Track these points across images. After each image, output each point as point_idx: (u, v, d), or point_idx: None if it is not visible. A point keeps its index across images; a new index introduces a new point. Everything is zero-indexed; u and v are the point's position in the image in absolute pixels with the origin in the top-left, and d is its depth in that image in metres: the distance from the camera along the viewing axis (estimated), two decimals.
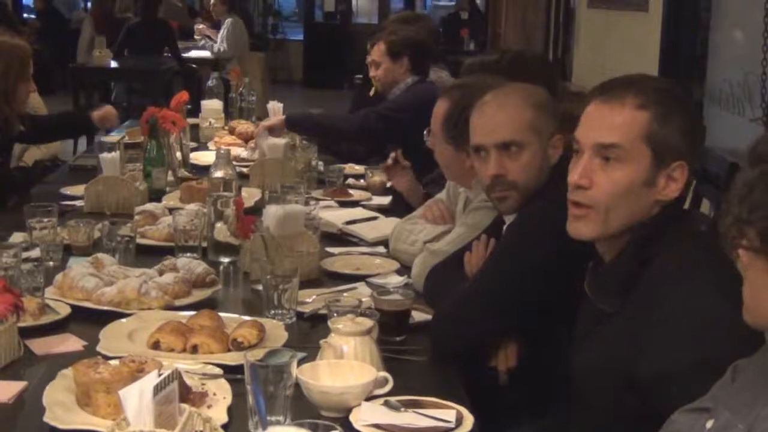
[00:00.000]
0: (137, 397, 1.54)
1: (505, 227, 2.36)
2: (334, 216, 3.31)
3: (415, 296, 2.39)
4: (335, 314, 2.08)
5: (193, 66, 9.90)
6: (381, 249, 3.04)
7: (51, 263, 2.67)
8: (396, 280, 2.67)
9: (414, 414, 1.81)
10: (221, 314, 2.26)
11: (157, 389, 1.54)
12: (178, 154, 3.96)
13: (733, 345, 1.53)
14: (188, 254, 2.76)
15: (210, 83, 5.54)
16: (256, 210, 3.08)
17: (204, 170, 3.75)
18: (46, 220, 2.82)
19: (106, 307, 2.34)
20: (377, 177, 3.85)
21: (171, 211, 3.13)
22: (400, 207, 3.52)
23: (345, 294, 2.49)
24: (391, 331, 2.20)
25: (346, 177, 4.01)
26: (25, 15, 14.05)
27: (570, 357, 1.94)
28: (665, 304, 1.70)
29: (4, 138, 3.89)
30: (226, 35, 9.93)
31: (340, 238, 3.17)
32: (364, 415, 1.80)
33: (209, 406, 1.80)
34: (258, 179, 3.80)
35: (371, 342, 1.98)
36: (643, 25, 5.32)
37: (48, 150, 5.13)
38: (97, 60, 8.79)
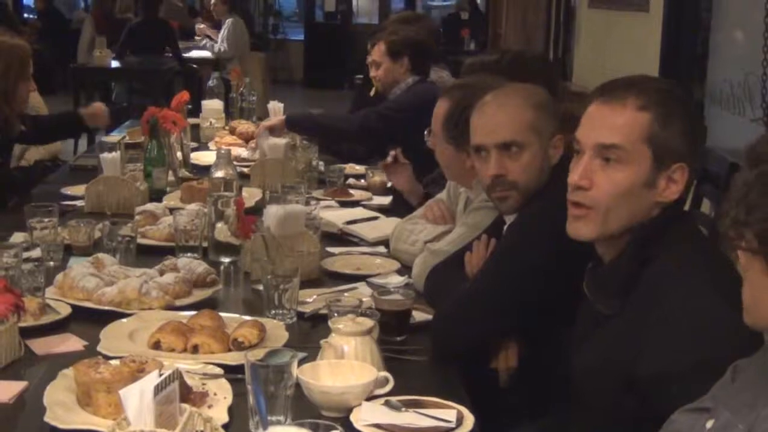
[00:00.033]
0: (138, 397, 1.54)
1: (505, 227, 2.36)
2: (335, 216, 3.31)
3: (416, 296, 2.39)
4: (336, 314, 2.08)
5: (194, 66, 9.90)
6: (381, 249, 3.04)
7: (51, 263, 2.67)
8: (396, 280, 2.67)
9: (415, 414, 1.81)
10: (222, 314, 2.26)
11: (158, 389, 1.54)
12: (179, 154, 3.96)
13: (733, 345, 1.53)
14: (189, 254, 2.76)
15: (211, 83, 5.54)
16: (257, 210, 3.09)
17: (205, 170, 3.76)
18: (46, 220, 2.82)
19: (106, 307, 2.34)
20: (378, 177, 3.85)
21: (172, 211, 3.13)
22: (400, 207, 3.52)
23: (346, 294, 2.49)
24: (391, 331, 2.21)
25: (347, 177, 4.01)
26: (25, 15, 14.05)
27: (570, 358, 1.94)
28: (665, 305, 1.70)
29: (5, 138, 3.89)
30: (226, 35, 9.93)
31: (341, 238, 3.17)
32: (365, 415, 1.80)
33: (210, 406, 1.80)
34: (259, 179, 3.80)
35: (372, 342, 1.98)
36: (643, 25, 5.32)
37: (48, 150, 5.13)
38: (98, 60, 8.80)
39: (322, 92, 13.54)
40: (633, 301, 1.76)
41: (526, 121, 2.27)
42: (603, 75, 5.91)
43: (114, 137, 4.55)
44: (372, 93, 4.74)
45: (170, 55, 9.71)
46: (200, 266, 2.58)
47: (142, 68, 9.33)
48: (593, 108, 1.85)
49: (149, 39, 9.53)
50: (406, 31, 4.47)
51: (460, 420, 1.80)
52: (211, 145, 4.67)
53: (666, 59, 4.79)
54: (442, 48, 6.05)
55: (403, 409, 1.82)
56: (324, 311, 2.24)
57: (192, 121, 4.64)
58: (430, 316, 2.32)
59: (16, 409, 1.87)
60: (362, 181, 4.02)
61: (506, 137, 2.26)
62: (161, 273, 2.52)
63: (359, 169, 4.22)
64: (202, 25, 10.91)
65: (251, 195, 3.49)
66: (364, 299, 2.28)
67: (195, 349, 2.07)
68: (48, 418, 1.73)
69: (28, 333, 2.17)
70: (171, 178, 3.72)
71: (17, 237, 2.83)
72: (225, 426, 1.73)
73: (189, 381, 1.84)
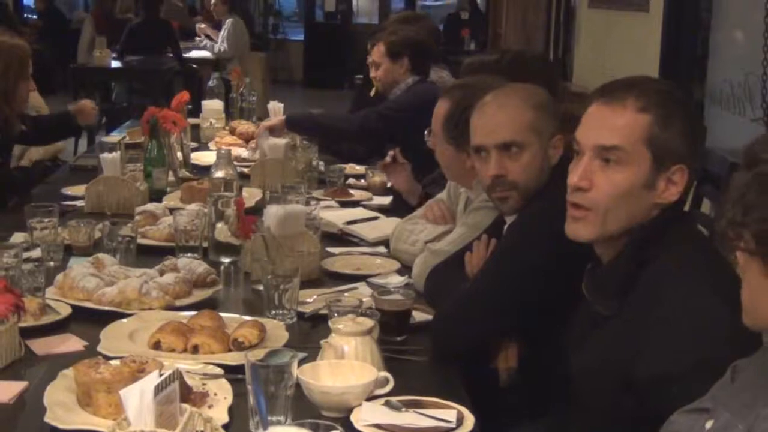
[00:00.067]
0: (138, 397, 1.54)
1: (505, 227, 2.36)
2: (335, 216, 3.31)
3: (416, 296, 2.39)
4: (336, 314, 2.08)
5: (194, 66, 9.90)
6: (382, 249, 3.04)
7: (52, 263, 2.67)
8: (397, 280, 2.67)
9: (415, 414, 1.81)
10: (222, 314, 2.26)
11: (158, 389, 1.54)
12: (179, 155, 3.96)
13: (733, 346, 1.53)
14: (189, 254, 2.76)
15: (211, 83, 5.54)
16: (257, 210, 3.09)
17: (205, 170, 3.76)
18: (46, 220, 2.82)
19: (106, 308, 2.34)
20: (378, 177, 3.85)
21: (172, 211, 3.13)
22: (400, 207, 3.52)
23: (346, 294, 2.49)
24: (391, 331, 2.21)
25: (347, 177, 4.01)
26: (26, 15, 14.05)
27: (568, 358, 1.94)
28: (664, 305, 1.70)
29: (5, 138, 3.89)
30: (226, 35, 9.93)
31: (341, 238, 3.17)
32: (365, 415, 1.80)
33: (210, 406, 1.80)
34: (259, 179, 3.80)
35: (372, 342, 1.98)
36: (643, 25, 5.32)
37: (48, 150, 5.13)
38: (98, 60, 8.80)
39: (322, 92, 13.54)
40: (631, 302, 1.76)
41: (526, 122, 2.27)
42: (603, 75, 5.91)
43: (114, 137, 4.55)
44: (372, 93, 4.74)
45: (171, 55, 9.71)
46: (200, 266, 2.58)
47: (142, 68, 9.33)
48: (593, 109, 1.85)
49: (150, 39, 9.53)
50: (405, 31, 4.46)
51: (460, 420, 1.80)
52: (212, 145, 4.67)
53: (666, 59, 4.79)
54: (442, 48, 6.05)
55: (404, 409, 1.82)
56: (324, 311, 2.24)
57: (192, 121, 4.64)
58: (430, 317, 2.32)
59: (16, 409, 1.87)
60: (362, 181, 4.02)
61: (506, 137, 2.26)
62: (161, 273, 2.52)
63: (359, 169, 4.22)
64: (202, 25, 10.90)
65: (251, 195, 3.49)
66: (364, 299, 2.28)
67: (195, 350, 2.07)
68: (48, 419, 1.73)
69: (28, 333, 2.17)
70: (171, 178, 3.73)
71: (17, 237, 2.84)
72: (225, 426, 1.73)
73: (189, 381, 1.84)
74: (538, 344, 2.19)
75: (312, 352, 2.01)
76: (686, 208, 2.05)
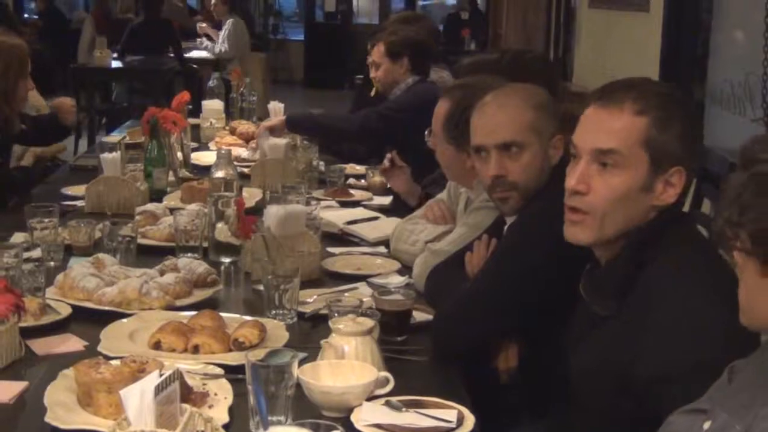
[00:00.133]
0: (138, 397, 1.54)
1: (506, 227, 2.36)
2: (335, 216, 3.31)
3: (416, 296, 2.39)
4: (336, 314, 2.08)
5: (194, 66, 9.90)
6: (382, 249, 3.04)
7: (52, 263, 2.67)
8: (397, 280, 2.67)
9: (415, 414, 1.81)
10: (222, 314, 2.26)
11: (159, 389, 1.54)
12: (179, 155, 3.96)
13: (731, 346, 1.53)
14: (189, 254, 2.76)
15: (211, 83, 5.54)
16: (257, 210, 3.09)
17: (205, 170, 3.76)
18: (47, 220, 2.82)
19: (107, 308, 2.34)
20: (378, 177, 3.85)
21: (172, 211, 3.13)
22: (401, 207, 3.52)
23: (346, 294, 2.49)
24: (392, 331, 2.21)
25: (347, 177, 4.01)
26: (26, 15, 14.05)
27: (567, 358, 1.94)
28: (663, 306, 1.70)
29: (5, 138, 3.89)
30: (227, 36, 9.93)
31: (341, 238, 3.17)
32: (366, 415, 1.80)
33: (210, 406, 1.80)
34: (259, 179, 3.80)
35: (372, 342, 1.98)
36: (644, 25, 5.32)
37: (48, 148, 5.12)
38: (98, 60, 8.80)
39: (322, 92, 13.54)
40: (630, 303, 1.76)
41: (526, 122, 2.27)
42: (603, 75, 5.92)
43: (114, 137, 4.55)
44: (372, 93, 4.74)
45: (172, 55, 9.70)
46: (201, 266, 2.58)
47: (143, 68, 9.33)
48: (590, 111, 1.85)
49: (151, 39, 9.53)
50: (405, 32, 4.46)
51: (460, 420, 1.80)
52: (212, 145, 4.67)
53: (666, 59, 4.79)
54: (442, 48, 6.05)
55: (404, 409, 1.82)
56: (324, 311, 2.24)
57: (192, 121, 4.64)
58: (430, 317, 2.32)
59: (16, 409, 1.87)
60: (362, 181, 4.02)
61: (506, 138, 2.26)
62: (162, 273, 2.52)
63: (360, 169, 4.22)
64: (203, 24, 10.90)
65: (251, 195, 3.49)
66: (364, 299, 2.28)
67: (195, 350, 2.07)
68: (48, 419, 1.73)
69: (28, 333, 2.17)
70: (171, 178, 3.73)
71: (18, 237, 2.84)
72: (225, 426, 1.73)
73: (189, 381, 1.84)
74: (538, 344, 2.19)
75: (312, 352, 2.01)
76: (686, 208, 2.05)
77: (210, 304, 2.41)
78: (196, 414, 1.62)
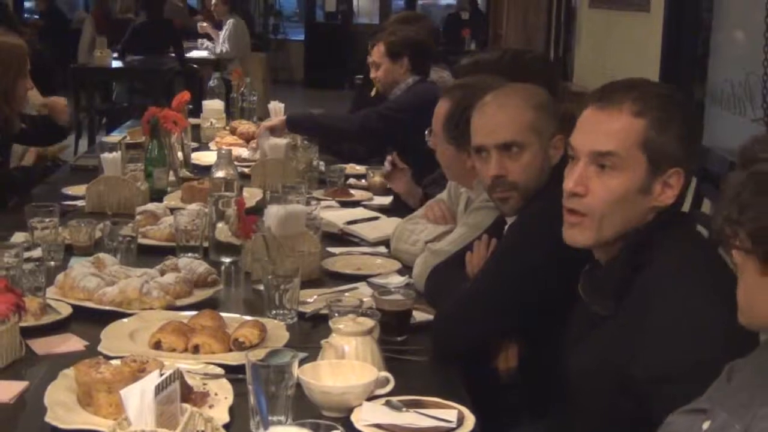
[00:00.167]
0: (139, 397, 1.54)
1: (506, 227, 2.36)
2: (336, 216, 3.31)
3: (417, 296, 2.39)
4: (336, 314, 2.08)
5: (195, 66, 9.90)
6: (382, 249, 3.04)
7: (52, 263, 2.67)
8: (397, 280, 2.68)
9: (415, 414, 1.81)
10: (222, 314, 2.26)
11: (159, 389, 1.55)
12: (180, 154, 3.96)
13: (731, 346, 1.53)
14: (189, 254, 2.76)
15: (211, 83, 5.55)
16: (258, 210, 3.09)
17: (205, 170, 3.76)
18: (47, 220, 2.82)
19: (107, 307, 2.35)
20: (378, 177, 3.85)
21: (172, 211, 3.13)
22: (401, 207, 3.52)
23: (346, 294, 2.49)
24: (392, 331, 2.21)
25: (347, 177, 4.01)
26: (26, 15, 14.04)
27: (566, 359, 1.94)
28: (663, 307, 1.70)
29: (5, 137, 3.89)
30: (228, 36, 9.92)
31: (342, 238, 3.17)
32: (366, 415, 1.80)
33: (211, 406, 1.80)
34: (259, 179, 3.80)
35: (372, 342, 1.98)
36: (644, 25, 5.32)
37: (50, 147, 5.11)
38: (98, 60, 8.80)
39: (322, 92, 13.55)
40: (629, 304, 1.76)
41: (526, 122, 2.27)
42: (603, 75, 5.92)
43: (115, 137, 4.55)
44: (372, 93, 4.74)
45: (173, 55, 9.70)
46: (201, 266, 2.58)
47: (143, 68, 9.33)
48: (588, 113, 1.85)
49: (153, 39, 9.52)
50: (405, 32, 4.46)
51: (460, 420, 1.80)
52: (212, 145, 4.67)
53: (667, 59, 4.79)
54: (442, 48, 6.05)
55: (404, 409, 1.82)
56: (325, 311, 2.24)
57: (193, 121, 4.64)
58: (430, 316, 2.32)
59: (16, 409, 1.87)
60: (363, 181, 4.02)
61: (506, 138, 2.26)
62: (162, 273, 2.52)
63: (360, 169, 4.22)
64: (204, 23, 10.89)
65: (252, 195, 3.49)
66: (364, 299, 2.28)
67: (196, 349, 2.08)
68: (49, 418, 1.73)
69: (28, 333, 2.17)
70: (172, 178, 3.73)
71: (18, 237, 2.84)
72: (226, 426, 1.73)
73: (190, 381, 1.84)
74: (538, 344, 2.19)
75: (312, 352, 2.01)
76: (687, 208, 2.05)
77: (210, 304, 2.41)
78: (197, 414, 1.62)
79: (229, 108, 5.32)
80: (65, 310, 2.33)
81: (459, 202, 2.87)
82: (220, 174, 3.20)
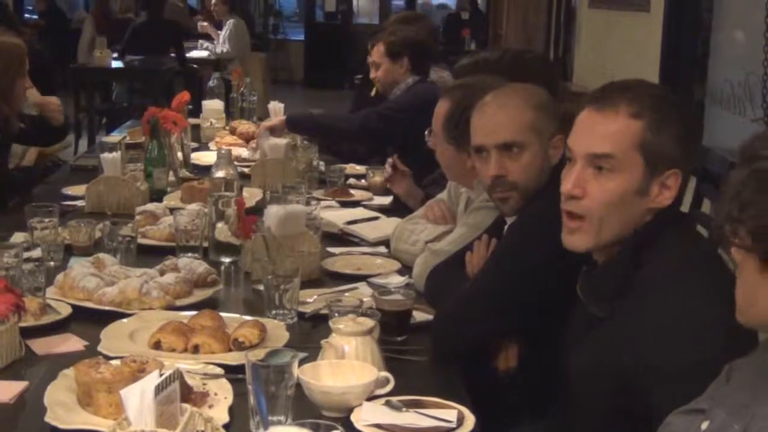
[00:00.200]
0: (138, 397, 1.54)
1: (506, 227, 2.36)
2: (335, 216, 3.31)
3: (417, 296, 2.39)
4: (336, 314, 2.08)
5: (195, 66, 9.90)
6: (382, 249, 3.04)
7: (52, 263, 2.67)
8: (397, 280, 2.67)
9: (415, 414, 1.81)
10: (222, 314, 2.26)
11: (159, 389, 1.55)
12: (179, 155, 3.96)
13: (730, 346, 1.53)
14: (189, 254, 2.76)
15: (211, 83, 5.55)
16: (258, 210, 3.09)
17: (205, 170, 3.76)
18: (47, 220, 2.82)
19: (107, 307, 2.34)
20: (378, 177, 3.85)
21: (172, 211, 3.13)
22: (401, 207, 3.52)
23: (346, 294, 2.49)
24: (392, 331, 2.21)
25: (347, 177, 4.01)
26: (27, 15, 14.04)
27: (565, 359, 1.94)
28: (662, 306, 1.70)
29: (4, 137, 3.89)
30: (228, 36, 9.92)
31: (341, 238, 3.17)
32: (366, 415, 1.80)
33: (210, 406, 1.80)
34: (259, 179, 3.80)
35: (372, 342, 1.98)
36: (644, 25, 5.32)
37: (50, 149, 5.11)
38: (98, 60, 8.80)
39: (322, 92, 13.55)
40: (628, 304, 1.76)
41: (526, 122, 2.27)
42: (603, 75, 5.92)
43: (114, 137, 4.55)
44: (372, 93, 4.74)
45: (173, 55, 9.70)
46: (201, 266, 2.58)
47: (143, 68, 9.32)
48: (585, 115, 1.85)
49: (154, 39, 9.51)
50: (405, 32, 4.46)
51: (460, 420, 1.80)
52: (212, 145, 4.67)
53: (666, 59, 4.79)
54: (442, 48, 6.05)
55: (404, 409, 1.82)
56: (325, 311, 2.24)
57: (192, 121, 4.64)
58: (430, 316, 2.32)
59: (16, 409, 1.87)
60: (363, 181, 4.02)
61: (506, 138, 2.26)
62: (162, 273, 2.52)
63: (360, 169, 4.22)
64: (205, 23, 10.89)
65: (252, 195, 3.49)
66: (364, 299, 2.28)
67: (196, 349, 2.07)
68: (48, 418, 1.73)
69: (28, 333, 2.17)
70: (171, 178, 3.73)
71: (18, 237, 2.84)
72: (226, 426, 1.73)
73: (190, 381, 1.84)
74: (538, 344, 2.19)
75: (312, 352, 2.01)
76: (687, 208, 2.05)
77: (210, 304, 2.41)
78: (197, 414, 1.62)
79: (228, 108, 5.32)
80: (65, 310, 2.33)
81: (459, 202, 2.87)
82: (219, 174, 3.20)
